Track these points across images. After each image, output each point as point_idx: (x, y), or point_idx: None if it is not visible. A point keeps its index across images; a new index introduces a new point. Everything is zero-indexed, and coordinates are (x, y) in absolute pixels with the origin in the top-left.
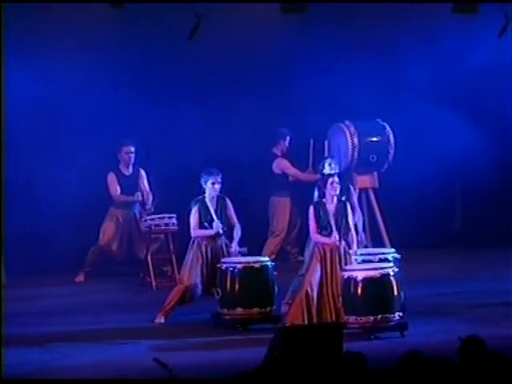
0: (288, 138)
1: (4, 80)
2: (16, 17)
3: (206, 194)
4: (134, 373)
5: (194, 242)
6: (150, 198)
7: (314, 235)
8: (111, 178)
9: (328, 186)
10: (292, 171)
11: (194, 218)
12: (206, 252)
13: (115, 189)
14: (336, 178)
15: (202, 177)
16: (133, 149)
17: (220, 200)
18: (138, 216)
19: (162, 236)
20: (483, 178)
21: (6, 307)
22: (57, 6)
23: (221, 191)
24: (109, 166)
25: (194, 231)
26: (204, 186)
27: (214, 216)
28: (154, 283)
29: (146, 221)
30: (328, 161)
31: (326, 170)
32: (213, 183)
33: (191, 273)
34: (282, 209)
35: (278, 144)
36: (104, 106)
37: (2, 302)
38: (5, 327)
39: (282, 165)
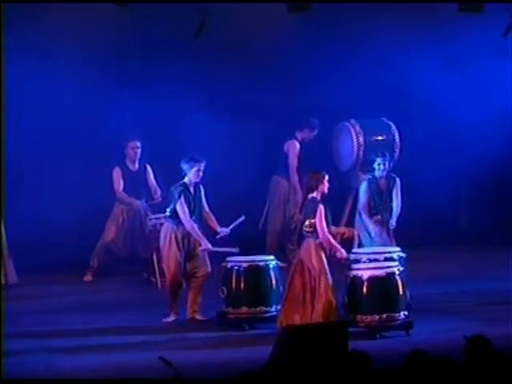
0: (316, 131)
1: (4, 78)
2: (20, 16)
3: (187, 180)
4: (138, 372)
5: (166, 232)
6: (159, 192)
7: None
8: (116, 173)
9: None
10: (292, 160)
11: (184, 208)
12: (180, 238)
13: (118, 184)
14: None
15: (188, 162)
16: (139, 144)
17: (198, 187)
18: (142, 212)
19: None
20: (488, 178)
21: (7, 306)
22: (61, 6)
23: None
24: (115, 161)
25: (188, 223)
26: (187, 172)
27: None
28: (159, 282)
29: (151, 220)
30: (378, 160)
31: (377, 173)
32: (198, 170)
33: (171, 260)
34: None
35: (303, 131)
36: (110, 104)
37: (2, 302)
38: (4, 327)
39: (292, 147)
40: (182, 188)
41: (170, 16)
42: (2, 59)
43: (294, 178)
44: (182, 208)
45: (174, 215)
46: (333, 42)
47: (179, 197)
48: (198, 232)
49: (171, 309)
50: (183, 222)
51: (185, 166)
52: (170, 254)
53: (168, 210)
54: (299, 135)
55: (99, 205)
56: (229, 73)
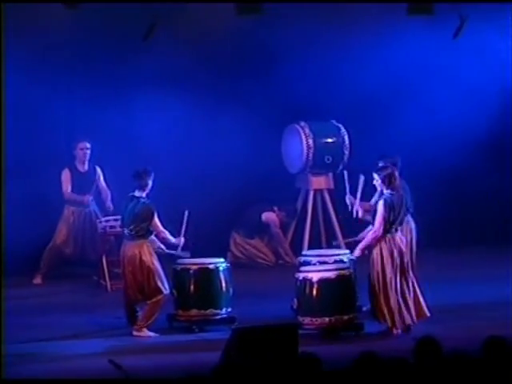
0: (292, 219)
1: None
2: None
3: (144, 194)
4: (89, 374)
5: (152, 251)
6: (109, 195)
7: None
8: (65, 175)
9: None
10: (276, 231)
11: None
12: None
13: (67, 186)
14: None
15: (149, 176)
16: (88, 145)
17: None
18: (93, 215)
19: (113, 237)
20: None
21: None
22: (9, 6)
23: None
24: (64, 163)
25: (164, 233)
26: (148, 184)
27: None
28: (109, 285)
29: (100, 222)
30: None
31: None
32: (152, 181)
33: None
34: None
35: (281, 211)
36: (59, 105)
37: (2, 302)
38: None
39: (272, 219)
40: (149, 201)
41: (120, 18)
42: (2, 59)
43: (285, 246)
44: (157, 220)
45: (149, 231)
46: (282, 43)
47: (155, 210)
48: (171, 237)
49: (151, 323)
50: (159, 232)
51: (150, 178)
52: (161, 269)
53: (141, 226)
54: (277, 211)
55: (49, 206)
56: (179, 75)
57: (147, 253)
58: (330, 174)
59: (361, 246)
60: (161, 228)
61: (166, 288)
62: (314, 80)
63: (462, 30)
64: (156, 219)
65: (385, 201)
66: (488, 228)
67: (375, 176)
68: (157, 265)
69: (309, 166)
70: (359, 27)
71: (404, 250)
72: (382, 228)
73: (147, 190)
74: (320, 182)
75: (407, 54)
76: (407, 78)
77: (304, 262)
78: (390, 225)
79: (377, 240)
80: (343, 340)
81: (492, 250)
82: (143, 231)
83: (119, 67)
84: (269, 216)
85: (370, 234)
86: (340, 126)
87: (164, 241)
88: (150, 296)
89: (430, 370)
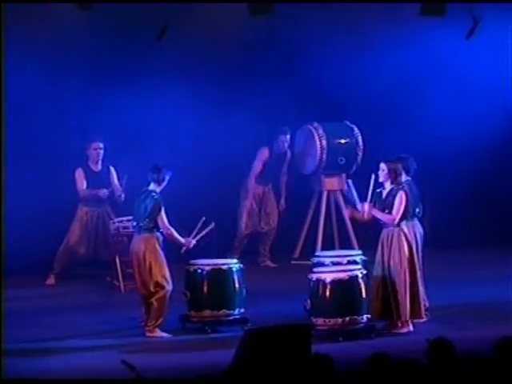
0: (286, 136)
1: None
2: None
3: (157, 189)
4: (102, 374)
5: (157, 245)
6: (123, 194)
7: None
8: (79, 174)
9: None
10: (256, 165)
11: (164, 215)
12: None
13: (81, 183)
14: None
15: (167, 172)
16: (101, 145)
17: None
18: (106, 215)
19: (126, 238)
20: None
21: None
22: (22, 5)
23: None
24: (77, 163)
25: (170, 229)
26: (166, 179)
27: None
28: (122, 286)
29: (114, 223)
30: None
31: None
32: (168, 179)
33: (167, 274)
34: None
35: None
36: (73, 104)
37: (2, 302)
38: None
39: (260, 153)
40: (160, 196)
41: (132, 18)
42: (2, 59)
43: (251, 182)
44: (163, 216)
45: (156, 225)
46: (296, 43)
47: (163, 205)
48: (178, 235)
49: (162, 322)
50: (164, 229)
51: (166, 175)
52: (164, 264)
53: (148, 220)
54: (275, 143)
55: (62, 206)
56: (192, 74)
57: (152, 248)
58: (343, 175)
59: (374, 212)
60: (167, 224)
61: (169, 283)
62: (328, 80)
63: (475, 31)
64: (163, 214)
65: (405, 192)
66: (504, 228)
67: (383, 166)
68: (160, 260)
69: (322, 167)
70: (372, 27)
71: (416, 246)
72: (399, 217)
73: (162, 186)
74: (333, 183)
75: (421, 53)
76: (421, 78)
77: (317, 262)
78: (404, 218)
79: (389, 229)
80: (356, 341)
81: (507, 250)
82: (150, 224)
83: (131, 67)
84: (262, 150)
85: (386, 215)
86: (353, 126)
87: (169, 238)
88: (153, 292)
89: (443, 371)
